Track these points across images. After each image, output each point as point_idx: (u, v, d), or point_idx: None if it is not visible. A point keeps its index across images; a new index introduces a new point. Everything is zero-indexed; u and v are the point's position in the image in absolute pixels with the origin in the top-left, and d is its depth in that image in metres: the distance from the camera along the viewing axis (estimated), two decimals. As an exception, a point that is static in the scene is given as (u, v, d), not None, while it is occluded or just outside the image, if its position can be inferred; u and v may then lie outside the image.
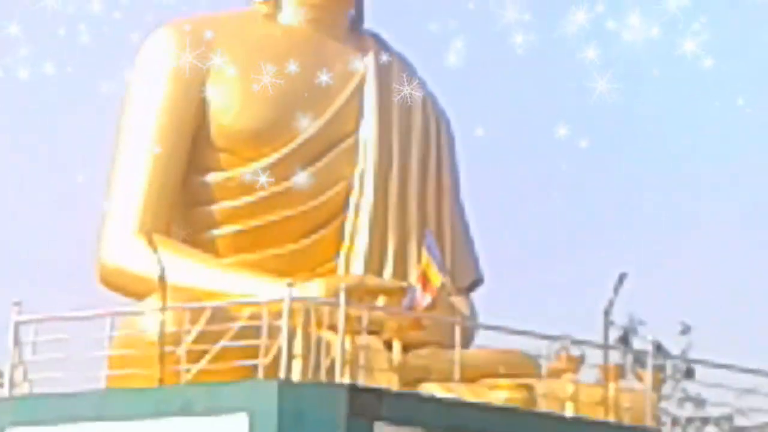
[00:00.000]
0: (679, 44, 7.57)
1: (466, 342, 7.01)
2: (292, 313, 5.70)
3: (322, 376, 5.78)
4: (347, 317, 5.77)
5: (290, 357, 5.63)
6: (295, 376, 5.63)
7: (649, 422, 6.70)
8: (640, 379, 6.83)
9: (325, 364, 5.83)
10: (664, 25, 7.48)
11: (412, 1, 9.70)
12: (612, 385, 6.68)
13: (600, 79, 7.37)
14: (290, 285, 5.87)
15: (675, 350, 14.36)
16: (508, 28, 7.32)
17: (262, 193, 7.75)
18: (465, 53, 7.45)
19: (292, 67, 7.53)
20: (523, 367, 7.19)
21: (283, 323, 5.59)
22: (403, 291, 6.87)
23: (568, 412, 6.57)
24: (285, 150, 7.80)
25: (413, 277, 7.03)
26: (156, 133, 7.74)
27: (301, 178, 7.73)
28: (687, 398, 14.47)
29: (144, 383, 5.95)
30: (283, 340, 5.60)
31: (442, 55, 7.67)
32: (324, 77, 7.56)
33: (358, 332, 6.11)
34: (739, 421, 13.07)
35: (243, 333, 5.87)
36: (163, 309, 6.03)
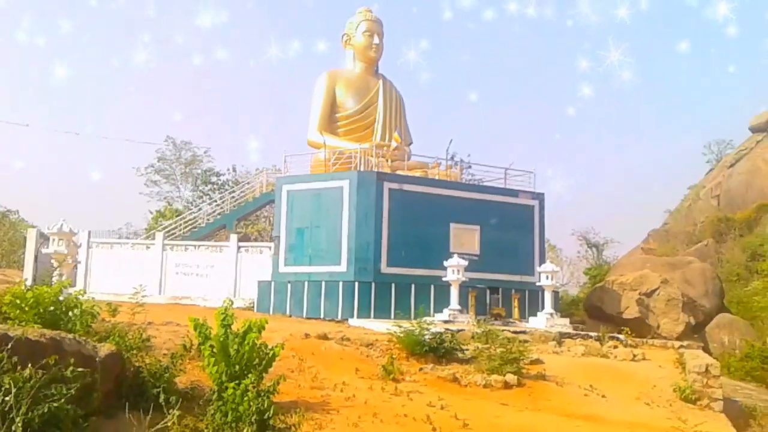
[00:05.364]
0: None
1: (408, 158, 27.67)
2: (362, 154, 25.78)
3: (372, 169, 25.62)
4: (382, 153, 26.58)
5: (360, 164, 25.58)
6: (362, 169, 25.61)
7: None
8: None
9: (370, 166, 25.85)
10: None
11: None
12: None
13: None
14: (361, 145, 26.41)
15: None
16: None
17: (352, 119, 28.57)
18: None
19: (358, 84, 28.31)
20: (422, 165, 27.73)
21: (360, 163, 25.67)
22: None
23: (437, 178, 26.37)
24: (358, 106, 28.45)
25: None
26: (323, 101, 28.22)
27: (359, 114, 28.43)
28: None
29: (320, 171, 26.25)
30: (359, 165, 25.46)
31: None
32: (367, 88, 28.34)
33: (385, 157, 26.64)
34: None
35: (345, 160, 26.01)
36: (325, 151, 26.30)
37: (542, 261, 25.30)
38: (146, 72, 74.54)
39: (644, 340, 20.66)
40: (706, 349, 22.14)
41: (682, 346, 19.28)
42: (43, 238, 24.68)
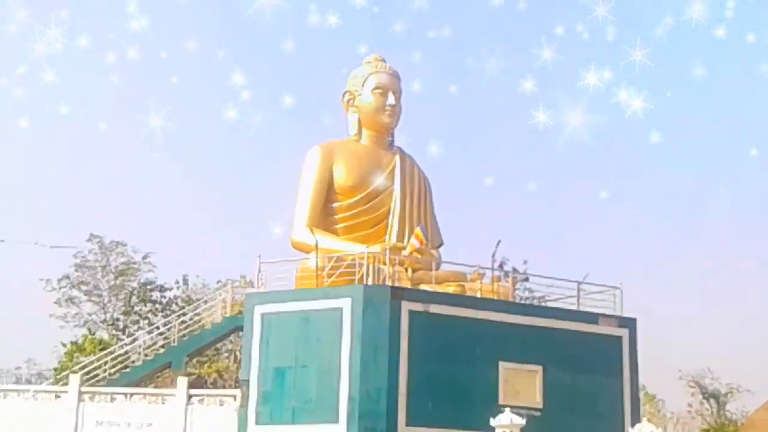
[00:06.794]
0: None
1: (437, 267, 20.91)
2: (370, 258, 19.11)
3: (385, 282, 19.00)
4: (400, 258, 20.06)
5: (368, 275, 18.84)
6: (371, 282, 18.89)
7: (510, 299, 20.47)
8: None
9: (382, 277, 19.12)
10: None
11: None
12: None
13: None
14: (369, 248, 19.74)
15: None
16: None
17: (356, 210, 21.83)
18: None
19: (366, 161, 22.10)
20: (458, 277, 20.72)
21: (367, 274, 18.93)
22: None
23: (478, 295, 19.76)
24: (365, 192, 21.80)
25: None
26: (315, 186, 21.85)
27: (367, 203, 21.91)
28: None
29: (310, 286, 19.39)
30: (365, 276, 18.86)
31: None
32: (379, 166, 22.25)
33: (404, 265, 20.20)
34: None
35: (346, 270, 19.23)
36: (317, 256, 19.37)
37: (636, 419, 20.04)
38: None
39: None
40: None
41: None
42: None
